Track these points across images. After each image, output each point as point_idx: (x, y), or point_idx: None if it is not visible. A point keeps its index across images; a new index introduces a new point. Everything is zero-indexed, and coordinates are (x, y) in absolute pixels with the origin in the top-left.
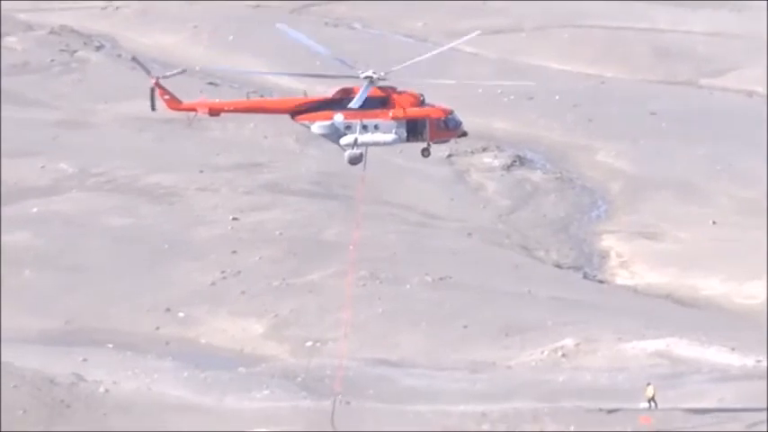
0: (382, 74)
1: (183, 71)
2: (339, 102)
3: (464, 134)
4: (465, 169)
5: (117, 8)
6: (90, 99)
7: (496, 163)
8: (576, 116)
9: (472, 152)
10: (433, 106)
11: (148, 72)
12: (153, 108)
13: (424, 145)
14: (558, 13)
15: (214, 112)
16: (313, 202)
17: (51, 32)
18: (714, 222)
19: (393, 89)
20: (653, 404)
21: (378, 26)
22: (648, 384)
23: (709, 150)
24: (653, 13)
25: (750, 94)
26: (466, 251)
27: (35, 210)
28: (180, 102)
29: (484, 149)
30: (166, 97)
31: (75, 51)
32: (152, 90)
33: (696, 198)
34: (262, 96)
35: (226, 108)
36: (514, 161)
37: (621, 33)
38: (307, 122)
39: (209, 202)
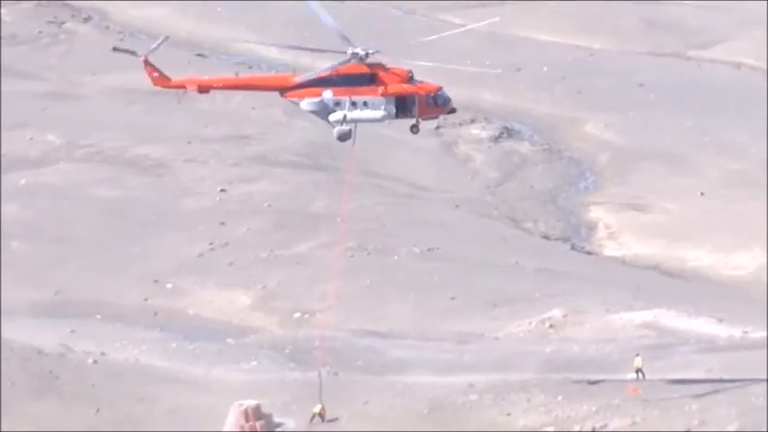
0: (370, 51)
1: (167, 38)
2: (328, 79)
3: (453, 111)
4: (453, 141)
5: None
6: (78, 71)
7: (484, 135)
8: (564, 88)
9: (460, 124)
10: (422, 83)
11: (134, 53)
12: (114, 49)
13: (413, 121)
14: None
15: (203, 88)
16: (301, 174)
17: (39, 4)
18: (702, 194)
19: (382, 66)
20: (641, 375)
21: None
22: (637, 355)
23: (698, 122)
24: None
25: (738, 65)
26: (454, 223)
27: (23, 181)
28: (169, 79)
29: (472, 121)
30: (155, 74)
31: (63, 23)
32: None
33: (684, 169)
34: (250, 68)
35: (215, 85)
36: (502, 133)
37: (610, 4)
38: (296, 99)
39: (196, 173)
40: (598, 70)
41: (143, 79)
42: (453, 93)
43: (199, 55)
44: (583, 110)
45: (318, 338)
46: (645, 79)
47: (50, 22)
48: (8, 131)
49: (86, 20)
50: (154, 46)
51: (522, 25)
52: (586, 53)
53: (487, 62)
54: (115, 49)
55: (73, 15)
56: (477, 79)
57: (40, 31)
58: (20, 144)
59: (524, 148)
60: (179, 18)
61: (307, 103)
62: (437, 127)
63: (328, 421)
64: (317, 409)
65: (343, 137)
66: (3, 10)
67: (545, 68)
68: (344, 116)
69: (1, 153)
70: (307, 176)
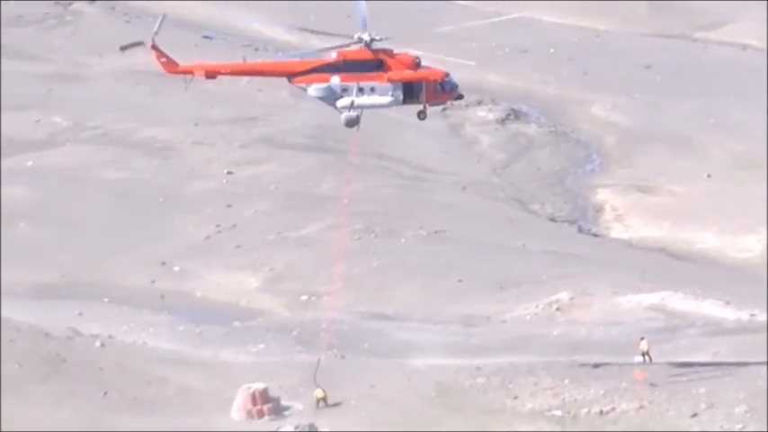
0: (377, 36)
1: (165, 17)
2: (336, 65)
3: (460, 97)
4: (459, 123)
5: None
6: (84, 52)
7: (491, 117)
8: (570, 69)
9: (467, 106)
10: (429, 68)
11: (141, 44)
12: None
13: (421, 107)
14: None
15: (211, 74)
16: (308, 156)
17: None
18: (709, 176)
19: (389, 52)
20: (647, 358)
21: None
22: (642, 338)
23: (704, 104)
24: None
25: (744, 47)
26: (460, 205)
27: (30, 163)
28: (177, 64)
29: (478, 103)
30: (163, 60)
31: (69, 4)
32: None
33: (691, 152)
34: (257, 50)
35: (222, 71)
36: (509, 115)
37: None
38: (303, 85)
39: (204, 155)
40: (604, 52)
41: (150, 61)
42: (459, 75)
43: (205, 37)
44: (589, 91)
45: (325, 321)
46: (651, 61)
47: (57, 3)
48: (15, 113)
49: (92, 1)
50: (155, 28)
51: (528, 7)
52: (593, 34)
53: (494, 44)
54: (122, 48)
55: None
56: (483, 61)
57: (47, 13)
58: (26, 126)
59: (531, 129)
60: None
61: (314, 89)
62: (444, 109)
63: (333, 405)
64: (319, 393)
65: (351, 123)
66: None
67: (552, 50)
68: (352, 102)
69: (1, 134)
70: (314, 159)
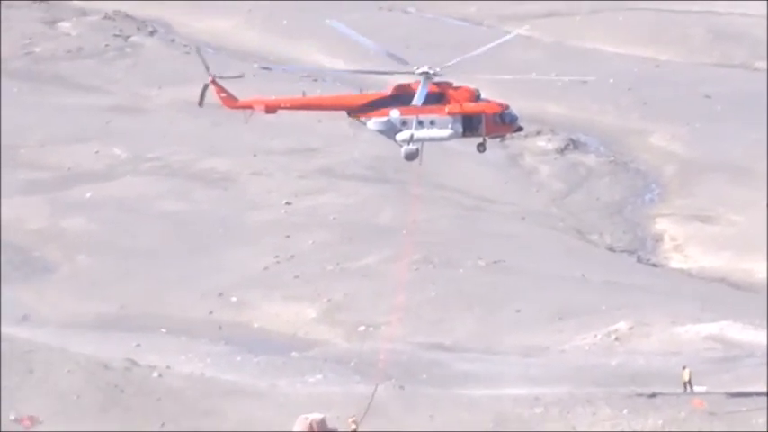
0: (438, 69)
1: (242, 76)
2: (396, 98)
3: (520, 129)
4: (519, 153)
5: None
6: (144, 84)
7: (550, 146)
8: (630, 99)
9: (526, 136)
10: (488, 101)
11: (207, 68)
12: (201, 104)
13: (480, 140)
14: None
15: (270, 109)
16: (367, 187)
17: (105, 17)
18: None
19: (449, 84)
20: (689, 388)
21: (432, 10)
22: (684, 368)
23: (764, 134)
24: None
25: None
26: (519, 235)
27: (89, 195)
28: (236, 99)
29: (538, 133)
30: (223, 95)
31: (128, 36)
32: (205, 86)
33: (750, 181)
34: (315, 81)
35: (282, 105)
36: (568, 144)
37: (676, 16)
38: (363, 119)
39: (262, 186)
40: (664, 82)
41: (209, 92)
42: (519, 105)
43: (264, 68)
44: (649, 121)
45: (385, 352)
46: (711, 91)
47: (116, 35)
48: (74, 145)
49: (152, 33)
50: (226, 75)
51: (588, 37)
52: (652, 64)
53: (553, 74)
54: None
55: (138, 29)
56: (542, 91)
57: (107, 45)
58: (86, 157)
59: (590, 159)
60: (244, 31)
61: (374, 123)
62: (503, 139)
63: None
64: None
65: (411, 156)
66: (68, 24)
67: (611, 80)
68: (411, 135)
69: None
70: (373, 189)
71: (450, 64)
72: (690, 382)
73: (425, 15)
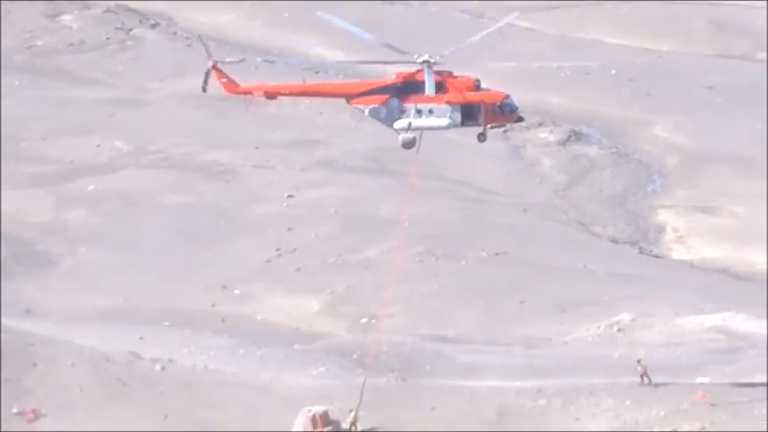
0: (438, 58)
1: (243, 60)
2: (396, 87)
3: (520, 119)
4: (521, 145)
5: None
6: (146, 77)
7: (552, 138)
8: (632, 90)
9: (528, 127)
10: (488, 91)
11: (209, 53)
12: (204, 89)
13: (480, 130)
14: None
15: (270, 95)
16: (369, 179)
17: (107, 11)
18: None
19: (449, 73)
20: (645, 379)
21: (434, 3)
22: (639, 361)
23: (766, 125)
24: None
25: None
26: (522, 227)
27: (91, 188)
28: (237, 85)
29: (540, 125)
30: (224, 80)
31: (130, 29)
32: (207, 72)
33: (753, 172)
34: (317, 73)
35: (282, 91)
36: (570, 136)
37: (678, 7)
38: (361, 106)
39: (264, 179)
40: (666, 73)
41: (210, 85)
42: (520, 96)
43: (266, 60)
44: (651, 112)
45: (388, 344)
46: (713, 82)
47: (118, 28)
48: (76, 138)
49: (154, 26)
50: (228, 60)
51: (590, 28)
52: (654, 55)
53: (555, 65)
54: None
55: (140, 22)
56: (544, 83)
57: (108, 38)
58: (88, 150)
59: (592, 151)
60: (245, 23)
61: (371, 110)
62: (505, 131)
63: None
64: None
65: (408, 144)
66: (70, 17)
67: (613, 71)
68: (409, 123)
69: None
70: (375, 181)
71: (446, 53)
72: (646, 374)
73: (428, 8)
